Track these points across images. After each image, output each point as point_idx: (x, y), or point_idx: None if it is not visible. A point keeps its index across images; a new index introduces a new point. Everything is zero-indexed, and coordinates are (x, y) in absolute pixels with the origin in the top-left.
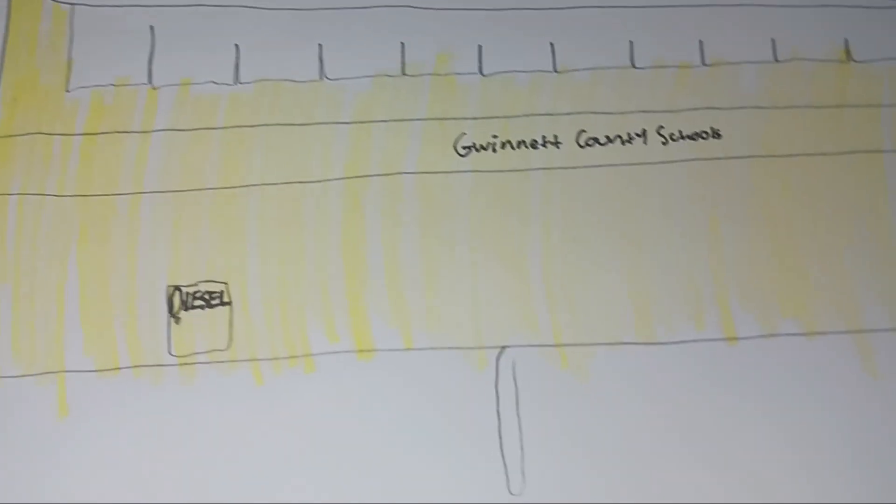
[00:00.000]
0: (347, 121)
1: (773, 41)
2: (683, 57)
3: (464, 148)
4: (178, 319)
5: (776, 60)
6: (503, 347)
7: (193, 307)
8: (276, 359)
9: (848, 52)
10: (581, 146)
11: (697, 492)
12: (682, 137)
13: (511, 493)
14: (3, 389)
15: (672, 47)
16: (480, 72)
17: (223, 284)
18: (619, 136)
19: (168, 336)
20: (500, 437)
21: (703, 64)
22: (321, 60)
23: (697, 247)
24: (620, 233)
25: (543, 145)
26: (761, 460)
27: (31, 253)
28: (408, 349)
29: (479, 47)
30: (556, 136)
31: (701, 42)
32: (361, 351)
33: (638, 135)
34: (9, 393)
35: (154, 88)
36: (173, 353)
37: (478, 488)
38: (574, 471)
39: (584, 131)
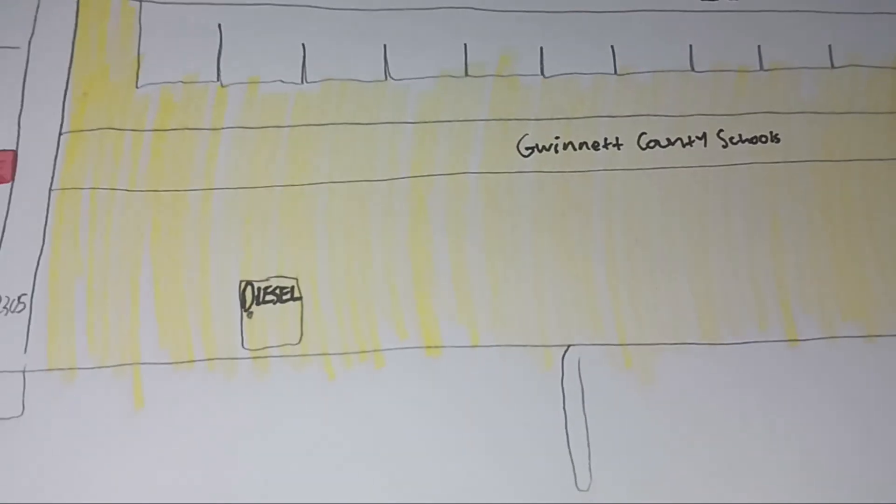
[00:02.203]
0: (412, 120)
1: (830, 47)
2: (742, 62)
3: (526, 149)
4: (250, 314)
5: (833, 66)
6: (568, 346)
7: (265, 302)
8: (346, 353)
9: None
10: (642, 148)
11: (759, 491)
12: (742, 141)
13: (579, 490)
14: (79, 381)
15: (731, 52)
16: (542, 73)
17: (294, 280)
18: (680, 139)
19: (241, 330)
20: (567, 435)
21: (762, 69)
22: (386, 60)
23: (759, 249)
24: (682, 234)
25: (605, 147)
26: (822, 461)
27: (104, 247)
28: (474, 346)
29: (541, 49)
30: (617, 138)
31: (759, 47)
32: (429, 347)
33: (698, 137)
34: (85, 384)
35: (223, 86)
36: (246, 346)
37: (545, 485)
38: (640, 469)
39: (644, 133)
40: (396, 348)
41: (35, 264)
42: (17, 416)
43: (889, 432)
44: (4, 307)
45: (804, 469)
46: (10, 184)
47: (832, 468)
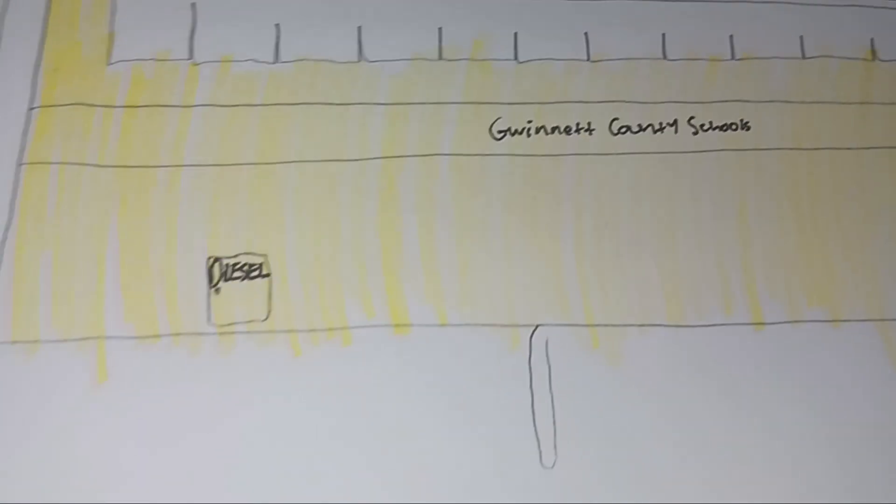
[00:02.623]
0: (384, 102)
1: (802, 38)
2: (714, 50)
3: (499, 132)
4: (217, 290)
5: (804, 57)
6: (536, 326)
7: (233, 278)
8: (313, 331)
9: (874, 51)
10: (613, 134)
11: (722, 471)
12: (713, 128)
13: (543, 467)
14: (43, 353)
15: (703, 41)
16: (516, 58)
17: (262, 257)
18: (651, 125)
19: (208, 306)
20: (533, 413)
21: (733, 58)
22: (360, 42)
23: (727, 234)
24: (651, 219)
25: (577, 132)
26: (785, 442)
27: (71, 221)
28: (442, 325)
29: (515, 34)
30: (589, 123)
31: (731, 36)
32: (397, 325)
33: (669, 124)
34: (49, 357)
35: (195, 64)
36: (213, 322)
37: (510, 461)
38: (605, 448)
39: (616, 119)
40: (364, 326)
41: (3, 236)
42: None
43: (851, 414)
44: None
45: (767, 449)
46: None
47: (794, 449)
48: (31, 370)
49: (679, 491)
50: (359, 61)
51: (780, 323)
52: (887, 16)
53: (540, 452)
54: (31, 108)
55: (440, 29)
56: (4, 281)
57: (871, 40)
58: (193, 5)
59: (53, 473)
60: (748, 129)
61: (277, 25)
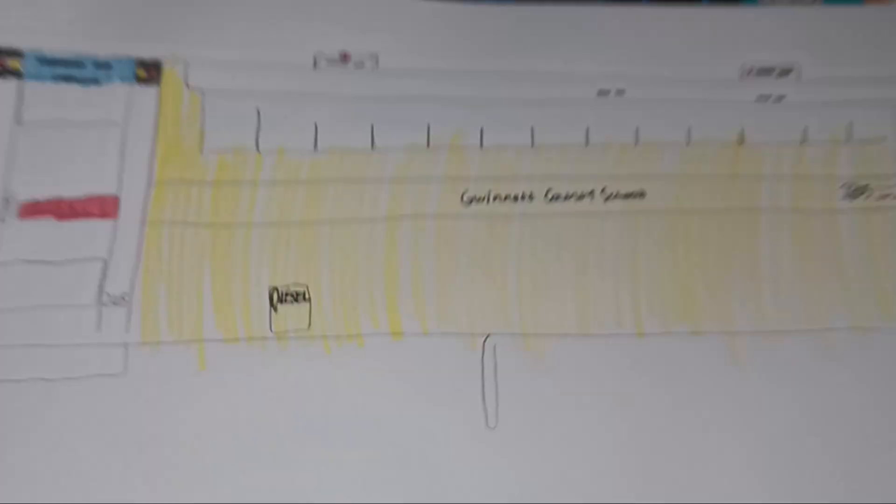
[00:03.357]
0: (389, 178)
1: (689, 128)
2: (623, 139)
3: (468, 199)
4: (276, 309)
5: (689, 142)
6: (488, 334)
7: (285, 301)
8: (338, 336)
9: (742, 137)
10: (548, 200)
11: (602, 455)
12: (618, 196)
13: (488, 427)
14: (162, 350)
15: (616, 131)
16: (481, 146)
17: (305, 286)
18: (575, 194)
19: (270, 319)
20: (483, 393)
21: (637, 144)
22: (372, 136)
23: (623, 270)
24: (571, 259)
25: (522, 199)
26: (643, 434)
27: (179, 262)
28: (425, 334)
29: (481, 129)
30: (531, 192)
31: (637, 128)
32: (394, 333)
33: (588, 193)
34: (167, 353)
35: (260, 153)
36: (273, 330)
37: (465, 424)
38: (532, 416)
39: (550, 189)
40: (372, 333)
41: (133, 272)
42: (121, 374)
43: (701, 407)
44: (112, 301)
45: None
46: (114, 219)
47: (648, 437)
48: (155, 362)
49: (581, 449)
50: (371, 150)
51: (655, 334)
52: (753, 110)
53: (486, 417)
54: (150, 185)
55: (428, 125)
56: (136, 303)
57: (741, 129)
58: (258, 110)
59: (176, 440)
60: (644, 196)
61: (315, 125)
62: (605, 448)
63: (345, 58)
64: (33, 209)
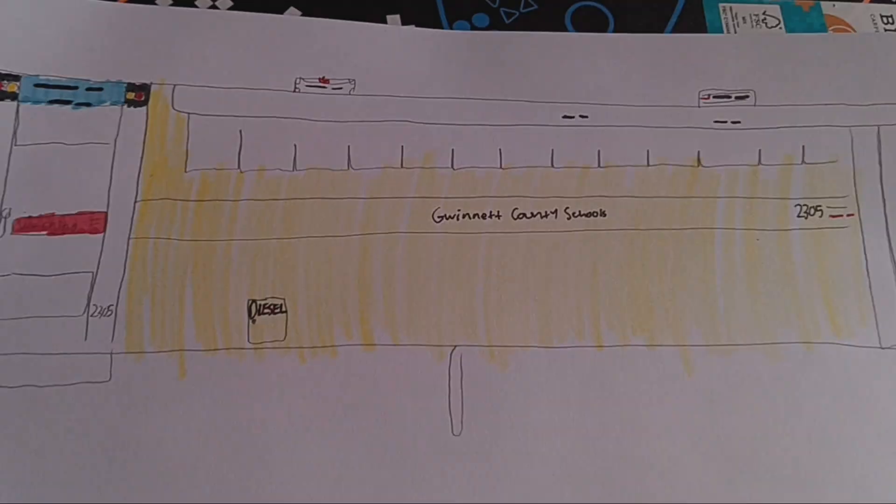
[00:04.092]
0: (364, 196)
1: (648, 151)
2: (586, 161)
3: (438, 217)
4: (254, 320)
5: (648, 165)
6: (455, 346)
7: (263, 313)
8: (313, 347)
9: (699, 160)
10: (515, 218)
11: (563, 461)
12: (581, 215)
13: (453, 434)
14: (146, 359)
15: (579, 154)
16: (452, 166)
17: (282, 299)
18: (540, 213)
19: (248, 330)
20: (449, 401)
21: (599, 166)
22: (349, 156)
23: (583, 285)
24: (535, 274)
25: (490, 216)
26: (597, 438)
27: (162, 276)
28: (396, 345)
29: (452, 150)
30: (498, 211)
31: (599, 151)
32: (366, 345)
33: (552, 212)
34: (149, 362)
35: (242, 172)
36: (251, 341)
37: (431, 431)
38: (494, 421)
39: (517, 208)
40: (345, 345)
41: (119, 285)
42: (107, 381)
43: (652, 412)
44: (99, 312)
45: (592, 430)
46: (102, 234)
47: (607, 444)
48: (139, 370)
49: (543, 456)
50: (347, 170)
51: (613, 346)
52: (710, 134)
53: (451, 425)
54: (136, 202)
55: (402, 147)
56: (121, 312)
57: (698, 152)
58: (241, 132)
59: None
60: (605, 215)
61: (295, 146)
62: (567, 454)
63: (324, 82)
64: (27, 225)
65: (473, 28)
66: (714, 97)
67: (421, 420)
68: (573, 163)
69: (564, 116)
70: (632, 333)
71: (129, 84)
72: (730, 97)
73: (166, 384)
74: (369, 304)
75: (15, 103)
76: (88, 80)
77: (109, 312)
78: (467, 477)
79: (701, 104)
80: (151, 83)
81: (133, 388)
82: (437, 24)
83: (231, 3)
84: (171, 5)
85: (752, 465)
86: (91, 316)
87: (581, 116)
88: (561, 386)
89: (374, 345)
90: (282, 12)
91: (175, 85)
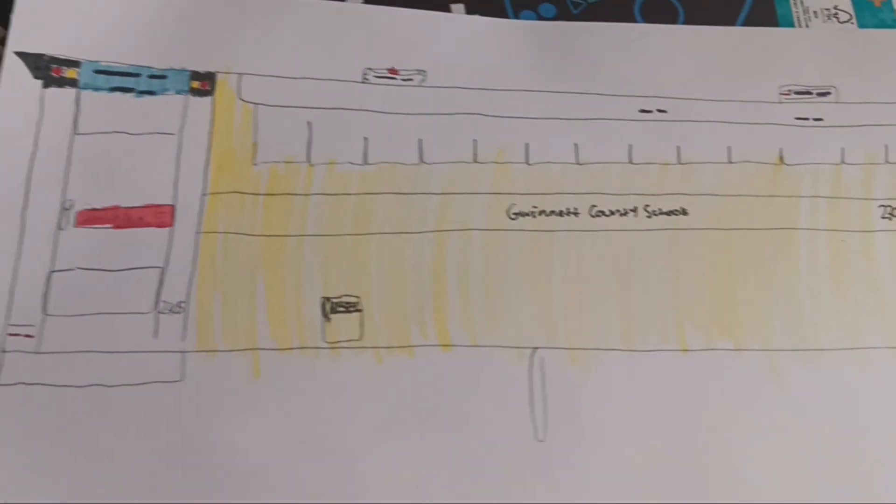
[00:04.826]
0: (437, 192)
1: (729, 148)
2: (665, 157)
3: (513, 214)
4: (329, 319)
5: (730, 162)
6: (535, 348)
7: (338, 312)
8: (390, 347)
9: (782, 158)
10: (592, 216)
11: (649, 468)
12: (661, 213)
13: (537, 440)
14: (219, 358)
15: (658, 150)
16: (527, 162)
17: (357, 297)
18: (619, 210)
19: (322, 329)
20: (532, 407)
21: (679, 163)
22: (421, 150)
23: (666, 286)
24: (615, 274)
25: (567, 214)
26: (705, 452)
27: (232, 271)
28: (473, 346)
29: (527, 145)
30: (575, 208)
31: (678, 147)
32: (443, 345)
33: (631, 210)
34: (223, 360)
35: (311, 165)
36: (326, 340)
37: (513, 436)
38: (577, 428)
39: (594, 206)
40: (422, 345)
41: (188, 283)
42: (178, 381)
43: (741, 416)
44: (170, 310)
45: (694, 450)
46: (171, 228)
47: (693, 451)
48: (211, 369)
49: (628, 462)
50: (419, 164)
51: (699, 350)
52: (792, 132)
53: (535, 430)
54: (204, 195)
55: (475, 141)
56: (192, 312)
57: (780, 150)
58: (309, 123)
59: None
60: (686, 213)
61: (365, 139)
62: (652, 462)
63: (393, 73)
64: (91, 217)
65: (540, 18)
66: (795, 93)
67: (502, 424)
68: (652, 159)
69: (641, 111)
70: (717, 337)
71: (193, 72)
72: (811, 93)
73: (241, 384)
74: (445, 304)
75: (75, 90)
76: (151, 67)
77: (179, 309)
78: (551, 484)
79: (782, 100)
80: (217, 72)
81: (206, 388)
82: (502, 14)
83: None
84: None
85: (841, 473)
86: (160, 313)
87: (659, 111)
88: (645, 391)
89: (452, 345)
90: (344, 0)
91: (242, 74)
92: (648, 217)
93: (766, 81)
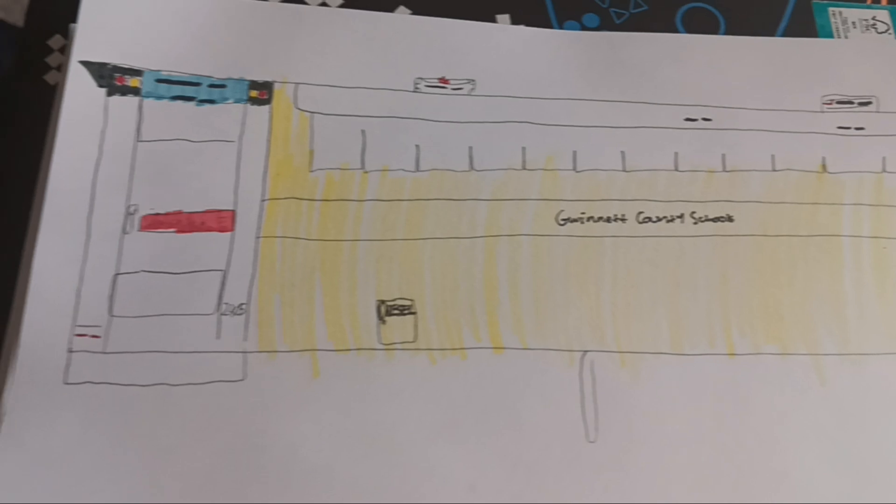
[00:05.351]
0: (487, 198)
1: (773, 156)
2: (711, 165)
3: (562, 220)
4: (384, 321)
5: (774, 170)
6: (585, 351)
7: (392, 314)
8: (443, 349)
9: (824, 166)
10: (640, 222)
11: (698, 471)
12: (708, 220)
13: (588, 441)
14: (279, 359)
15: (704, 158)
16: (574, 169)
17: (411, 301)
18: (665, 217)
19: (378, 331)
20: (583, 407)
21: (724, 170)
22: (471, 157)
23: (713, 292)
24: (663, 280)
25: (614, 220)
26: (753, 455)
27: (291, 274)
28: (525, 349)
29: (574, 152)
30: (623, 215)
31: (724, 155)
32: (496, 348)
33: (678, 216)
34: (282, 361)
35: (366, 172)
36: (381, 342)
37: (565, 437)
38: (626, 429)
39: (642, 212)
40: (474, 347)
41: (249, 285)
42: (241, 380)
43: (788, 422)
44: (231, 311)
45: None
46: (232, 233)
47: (741, 455)
48: (272, 369)
49: (679, 466)
50: (469, 171)
51: (745, 354)
52: (834, 140)
53: (586, 432)
54: (263, 200)
55: (524, 148)
56: (253, 312)
57: (823, 158)
58: (363, 131)
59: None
60: (732, 220)
61: (417, 146)
62: (701, 465)
63: (444, 83)
64: (154, 222)
65: (584, 28)
66: (837, 102)
67: (554, 426)
68: (698, 166)
69: (687, 119)
70: (763, 341)
71: (251, 81)
72: (853, 103)
73: (301, 383)
74: (496, 307)
75: (138, 99)
76: (210, 77)
77: (241, 311)
78: (604, 486)
79: (824, 109)
80: (274, 81)
81: (267, 387)
82: (546, 24)
83: (342, 1)
84: (282, 2)
85: (886, 476)
86: (223, 314)
87: (704, 119)
88: (693, 394)
89: (504, 348)
90: (392, 11)
91: (298, 84)
92: (695, 223)
93: (808, 91)
